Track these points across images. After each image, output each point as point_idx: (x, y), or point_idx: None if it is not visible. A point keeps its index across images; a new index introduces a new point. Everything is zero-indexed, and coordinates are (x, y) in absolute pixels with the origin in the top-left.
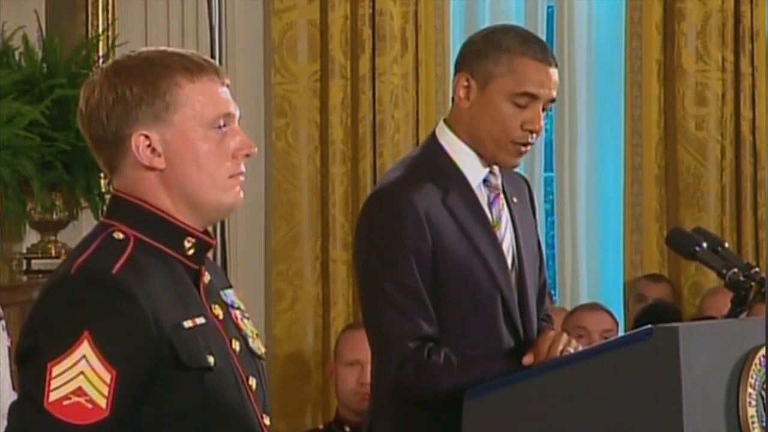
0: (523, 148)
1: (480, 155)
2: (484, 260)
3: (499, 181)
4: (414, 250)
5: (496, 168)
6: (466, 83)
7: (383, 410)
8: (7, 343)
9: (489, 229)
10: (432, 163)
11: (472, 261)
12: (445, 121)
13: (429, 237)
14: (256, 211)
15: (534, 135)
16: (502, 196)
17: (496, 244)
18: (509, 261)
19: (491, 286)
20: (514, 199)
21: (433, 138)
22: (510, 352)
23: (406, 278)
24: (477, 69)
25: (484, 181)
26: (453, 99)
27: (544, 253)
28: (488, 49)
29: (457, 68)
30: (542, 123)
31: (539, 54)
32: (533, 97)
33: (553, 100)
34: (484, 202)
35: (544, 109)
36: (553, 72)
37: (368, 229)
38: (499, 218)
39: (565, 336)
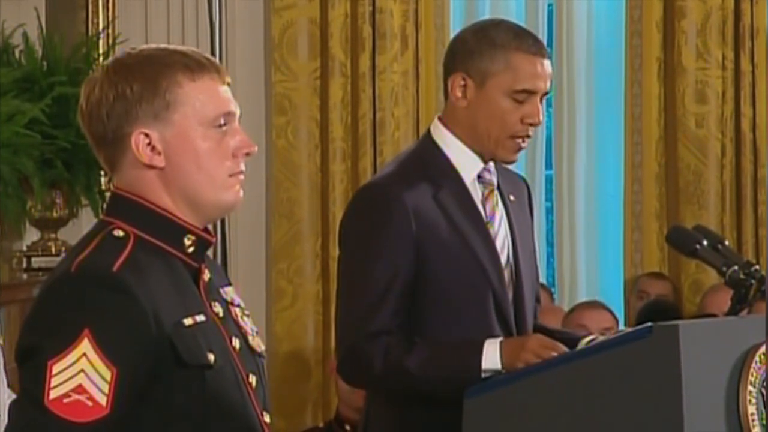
0: (522, 143)
1: (476, 152)
2: (476, 256)
3: (494, 178)
4: (396, 244)
5: (491, 164)
6: (462, 82)
7: (377, 408)
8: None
9: (481, 226)
10: (425, 160)
11: (463, 257)
12: (440, 118)
13: (414, 232)
14: (257, 209)
15: (533, 128)
16: (496, 192)
17: (489, 241)
18: (503, 258)
19: (483, 282)
20: (511, 197)
21: (427, 135)
22: None
23: (380, 272)
24: (473, 68)
25: (479, 177)
26: (446, 98)
27: (538, 257)
28: (482, 46)
29: (450, 68)
30: (542, 116)
31: (533, 47)
32: (531, 92)
33: (547, 92)
34: (477, 198)
35: (540, 101)
36: (547, 64)
37: (353, 220)
38: (493, 215)
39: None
